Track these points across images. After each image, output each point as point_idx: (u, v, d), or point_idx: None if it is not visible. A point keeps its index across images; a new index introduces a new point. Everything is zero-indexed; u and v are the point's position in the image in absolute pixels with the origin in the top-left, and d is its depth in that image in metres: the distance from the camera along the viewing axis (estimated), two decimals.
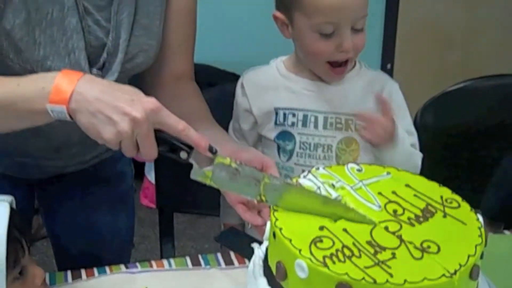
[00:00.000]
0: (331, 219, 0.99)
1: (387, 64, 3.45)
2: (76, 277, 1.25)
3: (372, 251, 0.92)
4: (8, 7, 1.17)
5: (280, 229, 0.96)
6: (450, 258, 0.90)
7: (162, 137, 1.07)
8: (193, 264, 1.30)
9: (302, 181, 1.07)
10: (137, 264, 1.29)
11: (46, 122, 1.10)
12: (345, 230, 0.96)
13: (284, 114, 1.45)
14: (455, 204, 1.03)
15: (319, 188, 1.06)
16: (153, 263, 1.29)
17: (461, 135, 1.98)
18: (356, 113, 1.40)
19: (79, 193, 1.56)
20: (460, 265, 0.89)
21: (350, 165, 1.11)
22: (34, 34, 1.20)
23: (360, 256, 0.90)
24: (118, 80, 1.29)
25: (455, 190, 1.07)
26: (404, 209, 1.01)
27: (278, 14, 1.41)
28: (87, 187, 1.55)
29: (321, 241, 0.93)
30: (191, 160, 1.09)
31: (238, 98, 1.51)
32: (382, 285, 0.85)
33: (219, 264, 1.29)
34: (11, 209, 1.04)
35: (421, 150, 1.48)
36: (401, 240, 0.94)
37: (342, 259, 0.89)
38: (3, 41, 1.19)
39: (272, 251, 0.99)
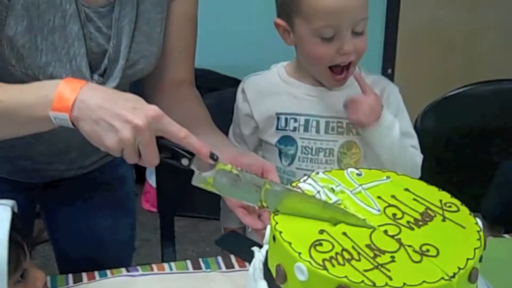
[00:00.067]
0: (331, 223, 1.00)
1: (387, 69, 3.46)
2: (77, 280, 1.26)
3: (371, 254, 0.92)
4: (11, 15, 1.18)
5: (280, 232, 0.96)
6: (449, 261, 0.91)
7: (163, 144, 1.08)
8: (193, 268, 1.30)
9: (302, 185, 1.08)
10: (138, 267, 1.29)
11: (48, 129, 1.11)
12: (344, 233, 0.97)
13: (286, 119, 1.46)
14: (454, 208, 1.03)
15: (319, 192, 1.06)
16: (154, 266, 1.30)
17: (462, 139, 1.98)
18: (345, 102, 1.41)
19: (80, 197, 1.56)
20: (459, 268, 0.89)
21: (350, 169, 1.12)
22: (36, 41, 1.21)
23: (359, 260, 0.91)
24: (119, 86, 1.30)
25: (455, 194, 1.07)
26: (403, 213, 1.02)
27: (279, 21, 1.41)
28: (88, 191, 1.55)
29: (320, 244, 0.93)
30: (193, 167, 1.10)
31: (239, 103, 1.52)
32: None
33: (219, 268, 1.30)
34: (13, 213, 1.04)
35: (421, 154, 1.49)
36: (400, 244, 0.95)
37: (341, 262, 0.90)
38: (6, 48, 1.20)
39: (272, 254, 1.00)
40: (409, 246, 0.94)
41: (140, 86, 1.46)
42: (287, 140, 1.46)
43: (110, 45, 1.30)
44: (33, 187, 1.52)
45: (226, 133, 1.50)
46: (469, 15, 3.49)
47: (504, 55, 3.53)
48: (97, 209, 1.57)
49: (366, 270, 0.88)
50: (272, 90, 1.48)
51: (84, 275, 1.27)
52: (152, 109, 1.06)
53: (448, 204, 1.04)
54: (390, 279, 0.87)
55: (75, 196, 1.55)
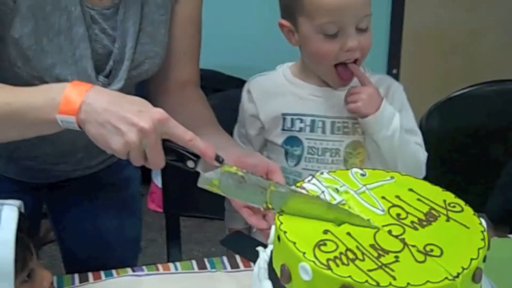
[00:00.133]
0: (335, 223, 1.00)
1: (392, 69, 3.46)
2: (83, 280, 1.26)
3: (375, 254, 0.92)
4: (17, 17, 1.19)
5: (285, 232, 0.97)
6: (453, 261, 0.91)
7: (169, 147, 1.09)
8: (199, 268, 1.31)
9: (306, 185, 1.08)
10: (144, 267, 1.30)
11: (55, 132, 1.12)
12: (348, 233, 0.97)
13: (292, 120, 1.46)
14: (458, 208, 1.03)
15: (323, 192, 1.07)
16: (160, 266, 1.30)
17: (466, 139, 1.98)
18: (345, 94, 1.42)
19: (86, 198, 1.57)
20: (463, 268, 0.90)
21: (354, 169, 1.12)
22: (41, 43, 1.22)
23: (363, 259, 0.91)
24: (124, 87, 1.31)
25: (460, 194, 1.08)
26: (407, 213, 1.02)
27: (284, 22, 1.42)
28: (95, 192, 1.56)
29: (325, 244, 0.94)
30: (198, 169, 1.11)
31: (245, 104, 1.52)
32: None
33: (224, 268, 1.31)
34: (20, 213, 1.05)
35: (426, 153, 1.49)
36: (404, 244, 0.95)
37: (345, 262, 0.90)
38: (12, 50, 1.21)
39: (276, 254, 1.00)
40: (413, 246, 0.94)
41: (145, 87, 1.46)
42: (293, 141, 1.46)
43: (115, 46, 1.30)
44: (39, 188, 1.52)
45: (231, 134, 1.50)
46: (473, 15, 3.49)
47: (508, 55, 3.53)
48: (103, 209, 1.58)
49: (370, 270, 0.89)
50: (278, 91, 1.49)
51: (90, 275, 1.27)
52: (158, 112, 1.07)
53: (452, 204, 1.04)
54: (394, 279, 0.87)
55: (81, 196, 1.56)
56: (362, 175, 1.11)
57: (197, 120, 1.37)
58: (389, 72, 3.42)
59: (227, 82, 2.97)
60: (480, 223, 1.00)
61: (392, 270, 0.89)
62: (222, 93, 1.94)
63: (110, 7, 1.29)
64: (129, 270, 1.29)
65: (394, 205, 1.04)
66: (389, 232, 0.98)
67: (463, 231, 0.98)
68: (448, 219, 1.01)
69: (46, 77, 1.24)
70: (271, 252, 1.04)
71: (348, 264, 0.90)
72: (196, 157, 1.11)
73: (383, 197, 1.06)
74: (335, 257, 0.91)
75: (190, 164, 1.11)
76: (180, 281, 1.27)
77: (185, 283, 1.26)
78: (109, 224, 1.59)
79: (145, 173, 1.32)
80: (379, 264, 0.90)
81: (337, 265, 0.90)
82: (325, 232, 0.98)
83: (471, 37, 3.55)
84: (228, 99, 1.69)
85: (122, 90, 1.29)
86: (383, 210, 1.03)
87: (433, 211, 1.02)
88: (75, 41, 1.24)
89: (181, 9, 1.39)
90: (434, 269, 0.90)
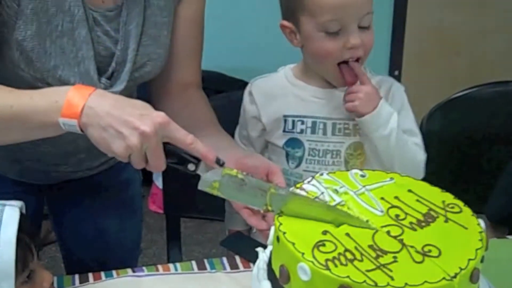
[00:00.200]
0: (334, 224, 1.01)
1: (394, 71, 3.47)
2: (84, 280, 1.27)
3: (373, 255, 0.93)
4: (20, 19, 1.19)
5: (284, 233, 0.97)
6: (451, 261, 0.92)
7: (170, 150, 1.10)
8: (199, 268, 1.31)
9: (306, 186, 1.09)
10: (144, 268, 1.30)
11: (57, 134, 1.13)
12: (347, 234, 0.98)
13: (293, 121, 1.46)
14: (456, 209, 1.04)
15: (323, 193, 1.07)
16: (160, 267, 1.31)
17: (467, 140, 1.98)
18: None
19: (87, 199, 1.58)
20: (461, 269, 0.90)
21: (354, 170, 1.13)
22: (45, 45, 1.22)
23: (362, 260, 0.92)
24: (126, 89, 1.31)
25: (460, 195, 1.08)
26: (406, 214, 1.03)
27: (285, 22, 1.42)
28: (96, 193, 1.57)
29: (323, 245, 0.94)
30: (199, 172, 1.12)
31: (246, 106, 1.52)
32: None
33: (224, 268, 1.31)
34: (21, 214, 1.06)
35: (427, 155, 1.49)
36: (403, 244, 0.95)
37: (344, 262, 0.91)
38: (15, 52, 1.22)
39: (275, 255, 1.01)
40: (411, 246, 0.95)
41: (147, 88, 1.47)
42: (294, 142, 1.46)
43: (118, 48, 1.31)
44: (41, 189, 1.53)
45: (233, 135, 1.50)
46: (475, 17, 3.50)
47: (509, 57, 3.53)
48: (104, 210, 1.58)
49: (368, 270, 0.89)
50: (279, 93, 1.49)
51: (90, 275, 1.28)
52: (159, 116, 1.08)
53: (451, 205, 1.04)
54: (392, 279, 0.88)
55: (82, 197, 1.57)
56: (362, 176, 1.12)
57: (199, 121, 1.38)
58: (391, 74, 3.43)
59: (229, 84, 2.98)
60: (479, 224, 1.00)
61: (390, 271, 0.90)
62: (224, 95, 1.95)
63: (113, 9, 1.29)
64: (129, 270, 1.29)
65: (393, 206, 1.04)
66: (388, 233, 0.98)
67: (461, 231, 0.99)
68: (447, 220, 1.01)
69: (49, 79, 1.24)
70: (270, 252, 1.04)
71: (346, 265, 0.90)
72: (197, 160, 1.12)
73: (382, 198, 1.06)
74: (334, 258, 0.91)
75: (191, 167, 1.12)
76: (180, 282, 1.27)
77: (185, 283, 1.27)
78: (110, 225, 1.60)
79: (146, 174, 1.33)
80: (377, 264, 0.91)
81: (336, 266, 0.90)
82: (324, 233, 0.98)
83: (474, 39, 3.55)
84: (230, 100, 1.69)
85: (124, 91, 1.30)
86: (382, 211, 1.03)
87: (431, 212, 1.03)
88: (78, 43, 1.25)
89: (183, 11, 1.40)
90: (432, 270, 0.91)
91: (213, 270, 1.30)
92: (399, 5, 3.43)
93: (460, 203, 1.06)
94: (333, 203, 1.05)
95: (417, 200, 1.06)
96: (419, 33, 3.47)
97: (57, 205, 1.61)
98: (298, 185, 1.10)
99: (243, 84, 1.58)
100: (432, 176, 1.39)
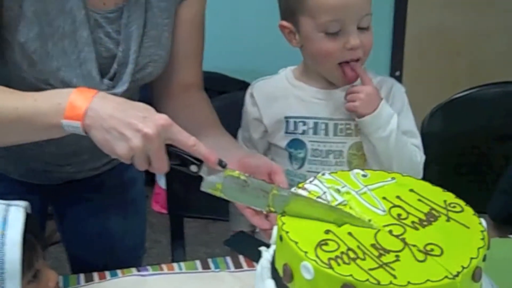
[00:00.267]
0: (337, 224, 1.02)
1: (395, 71, 3.47)
2: (89, 280, 1.28)
3: (376, 253, 0.94)
4: (22, 22, 1.20)
5: (287, 232, 0.98)
6: (453, 260, 0.92)
7: (173, 152, 1.11)
8: (203, 268, 1.32)
9: (308, 186, 1.10)
10: (148, 267, 1.31)
11: (61, 136, 1.14)
12: (350, 233, 0.99)
13: (295, 123, 1.47)
14: (458, 208, 1.04)
15: (325, 193, 1.08)
16: (164, 266, 1.32)
17: (468, 141, 1.98)
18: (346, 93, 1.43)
19: (91, 199, 1.58)
20: (463, 267, 0.91)
21: (356, 170, 1.14)
22: (47, 47, 1.23)
23: (364, 259, 0.92)
24: (128, 90, 1.32)
25: (462, 195, 1.09)
26: (408, 213, 1.03)
27: (284, 23, 1.43)
28: (99, 193, 1.58)
29: (326, 244, 0.95)
30: (201, 173, 1.13)
31: (248, 108, 1.53)
32: (386, 286, 0.87)
33: (228, 268, 1.32)
34: (26, 214, 1.06)
35: (428, 156, 1.50)
36: (405, 243, 0.96)
37: (347, 261, 0.92)
38: (18, 54, 1.23)
39: (279, 254, 1.01)
40: (414, 245, 0.96)
41: (149, 90, 1.48)
42: (296, 144, 1.47)
43: (119, 49, 1.32)
44: (45, 189, 1.54)
45: (235, 135, 1.51)
46: (476, 18, 3.50)
47: (510, 57, 3.54)
48: (108, 210, 1.59)
49: (371, 269, 0.90)
50: (281, 94, 1.50)
51: (95, 274, 1.29)
52: (162, 118, 1.09)
53: (452, 205, 1.05)
54: (395, 277, 0.89)
55: (86, 198, 1.58)
56: (364, 176, 1.13)
57: (201, 122, 1.39)
58: (391, 74, 3.43)
59: (231, 85, 2.98)
60: (480, 223, 1.01)
61: (393, 269, 0.90)
62: (226, 95, 1.95)
63: (114, 11, 1.30)
64: (134, 270, 1.30)
65: (395, 206, 1.05)
66: (390, 232, 0.99)
67: (463, 231, 1.00)
68: (448, 219, 1.02)
69: (51, 80, 1.25)
70: (274, 252, 1.05)
71: (349, 263, 0.91)
72: (199, 161, 1.13)
73: (384, 198, 1.07)
74: (337, 257, 0.92)
75: (194, 168, 1.13)
76: (184, 281, 1.28)
77: (189, 282, 1.27)
78: (114, 225, 1.61)
79: (149, 174, 1.34)
80: (380, 263, 0.91)
81: (339, 264, 0.91)
82: (327, 232, 0.99)
83: (474, 39, 3.55)
84: (232, 101, 1.70)
85: (127, 93, 1.31)
86: (384, 211, 1.04)
87: (433, 211, 1.03)
88: (80, 45, 1.26)
89: (184, 12, 1.40)
90: (434, 268, 0.91)
91: (217, 270, 1.31)
92: (400, 5, 3.43)
93: (462, 202, 1.06)
94: (335, 203, 1.06)
95: (419, 200, 1.06)
96: (419, 33, 3.48)
97: (61, 205, 1.62)
98: (300, 185, 1.11)
99: (245, 85, 1.58)
100: (433, 176, 1.40)
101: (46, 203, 1.60)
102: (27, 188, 1.48)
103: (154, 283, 1.27)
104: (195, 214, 1.99)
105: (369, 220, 1.02)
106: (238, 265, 1.33)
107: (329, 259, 0.92)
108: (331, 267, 0.90)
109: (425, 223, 1.01)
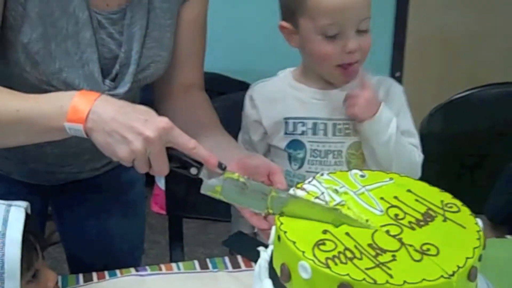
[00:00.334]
0: (334, 225, 1.02)
1: (396, 72, 3.47)
2: (88, 280, 1.28)
3: (373, 253, 0.94)
4: (26, 22, 1.21)
5: (285, 232, 0.99)
6: (449, 260, 0.93)
7: (173, 154, 1.12)
8: (201, 268, 1.33)
9: (306, 186, 1.11)
10: (147, 267, 1.32)
11: (63, 138, 1.14)
12: (347, 234, 0.99)
13: (294, 124, 1.47)
14: (455, 209, 1.05)
15: (323, 193, 1.09)
16: (162, 266, 1.32)
17: (467, 141, 1.99)
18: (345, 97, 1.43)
19: (90, 199, 1.59)
20: (459, 267, 0.92)
21: (354, 171, 1.14)
22: (50, 48, 1.24)
23: (361, 258, 0.93)
24: (130, 90, 1.33)
25: (460, 195, 1.09)
26: (405, 213, 1.04)
27: (284, 23, 1.43)
28: (99, 193, 1.58)
29: (324, 244, 0.96)
30: (201, 176, 1.14)
31: (248, 110, 1.54)
32: (382, 286, 0.88)
33: (226, 268, 1.32)
34: (26, 214, 1.07)
35: (427, 157, 1.50)
36: (402, 243, 0.97)
37: (344, 261, 0.92)
38: (21, 54, 1.23)
39: (276, 254, 1.02)
40: (410, 245, 0.96)
41: (150, 90, 1.49)
42: (296, 144, 1.48)
43: (122, 50, 1.32)
44: (45, 189, 1.54)
45: (235, 136, 1.52)
46: (476, 19, 3.50)
47: (510, 59, 3.54)
48: (108, 210, 1.60)
49: (367, 268, 0.91)
50: (279, 96, 1.50)
51: (94, 274, 1.29)
52: (163, 121, 1.09)
53: (449, 205, 1.06)
54: (391, 277, 0.89)
55: (86, 198, 1.58)
56: (362, 176, 1.13)
57: (201, 122, 1.40)
58: (392, 75, 3.43)
59: (232, 85, 2.99)
60: (476, 223, 1.02)
61: (389, 269, 0.91)
62: (226, 96, 1.96)
63: (117, 12, 1.31)
64: (132, 270, 1.31)
65: (392, 206, 1.06)
66: (387, 232, 1.00)
67: (460, 231, 1.00)
68: (445, 219, 1.03)
69: (54, 81, 1.26)
70: (272, 252, 1.05)
71: (346, 263, 0.92)
72: (199, 164, 1.14)
73: (381, 198, 1.08)
74: (334, 256, 0.93)
75: (194, 171, 1.14)
76: (183, 281, 1.29)
77: (188, 282, 1.28)
78: (113, 226, 1.61)
79: (149, 175, 1.34)
80: (377, 262, 0.92)
81: (336, 264, 0.91)
82: (324, 232, 1.00)
83: (475, 41, 3.56)
84: (232, 102, 1.71)
85: (128, 93, 1.32)
86: (381, 211, 1.05)
87: (430, 212, 1.04)
88: (82, 46, 1.27)
89: (186, 13, 1.41)
90: (430, 268, 0.92)
91: (215, 270, 1.31)
92: (401, 7, 3.44)
93: (458, 202, 1.07)
94: (333, 203, 1.06)
95: (416, 200, 1.07)
96: (420, 34, 3.48)
97: (61, 206, 1.62)
98: (298, 185, 1.12)
99: (245, 86, 1.59)
100: (432, 176, 1.40)
101: (46, 204, 1.60)
102: (27, 188, 1.48)
103: (153, 283, 1.28)
104: (194, 215, 1.99)
105: (367, 220, 1.03)
106: (236, 265, 1.33)
107: (327, 258, 0.92)
108: (328, 267, 0.91)
109: (422, 223, 1.02)
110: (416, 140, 1.49)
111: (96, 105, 1.10)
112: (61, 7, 1.23)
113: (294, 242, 0.96)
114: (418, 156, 1.48)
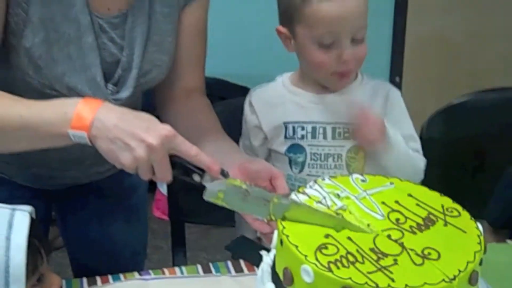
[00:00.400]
0: (336, 230, 1.03)
1: (395, 77, 3.47)
2: (91, 283, 1.29)
3: (375, 257, 0.95)
4: (28, 27, 1.22)
5: (287, 236, 1.00)
6: (450, 264, 0.94)
7: (176, 161, 1.14)
8: (204, 272, 1.34)
9: (308, 191, 1.11)
10: (150, 271, 1.32)
11: (66, 144, 1.15)
12: (349, 238, 1.00)
13: (293, 128, 1.48)
14: (455, 213, 1.06)
15: (324, 198, 1.09)
16: (166, 270, 1.33)
17: (467, 146, 1.99)
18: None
19: (93, 204, 1.60)
20: (460, 271, 0.92)
21: (355, 175, 1.15)
22: (52, 52, 1.25)
23: (363, 262, 0.94)
24: (132, 95, 1.34)
25: (461, 200, 1.10)
26: (406, 217, 1.05)
27: (281, 28, 1.44)
28: (102, 198, 1.59)
29: (326, 248, 0.97)
30: (204, 182, 1.15)
31: (247, 116, 1.55)
32: None
33: (229, 272, 1.33)
34: (31, 219, 1.08)
35: (428, 161, 1.51)
36: (403, 247, 0.98)
37: (346, 264, 0.93)
38: (23, 59, 1.24)
39: (279, 258, 1.03)
40: (412, 249, 0.97)
41: (151, 94, 1.50)
42: (296, 148, 1.48)
43: (123, 55, 1.33)
44: (49, 194, 1.55)
45: (235, 140, 1.52)
46: (476, 23, 3.50)
47: (510, 64, 3.54)
48: (111, 215, 1.60)
49: (369, 272, 0.91)
50: (278, 101, 1.51)
51: (98, 278, 1.30)
52: (166, 129, 1.11)
53: (450, 209, 1.07)
54: (393, 280, 0.90)
55: (89, 202, 1.59)
56: (363, 180, 1.14)
57: (203, 126, 1.41)
58: (391, 79, 3.43)
59: (232, 90, 2.99)
60: (477, 228, 1.02)
61: (391, 273, 0.92)
62: (227, 101, 1.96)
63: (118, 16, 1.32)
64: (136, 274, 1.32)
65: (393, 210, 1.07)
66: (389, 236, 1.01)
67: (460, 235, 1.01)
68: (446, 223, 1.04)
69: (56, 86, 1.27)
70: (274, 256, 1.06)
71: (348, 267, 0.93)
72: (202, 171, 1.15)
73: (383, 202, 1.08)
74: (336, 260, 0.94)
75: (196, 178, 1.16)
76: (186, 285, 1.29)
77: (191, 287, 1.29)
78: (116, 230, 1.62)
79: (151, 181, 1.35)
80: (378, 266, 0.93)
81: (338, 268, 0.92)
82: (327, 236, 1.00)
83: (474, 45, 3.56)
84: (233, 106, 1.71)
85: (130, 98, 1.33)
86: (382, 215, 1.06)
87: (431, 216, 1.05)
88: (84, 50, 1.28)
89: (187, 17, 1.42)
90: (432, 272, 0.93)
91: (218, 274, 1.32)
92: (399, 11, 3.44)
93: (459, 207, 1.08)
94: (334, 207, 1.07)
95: (417, 204, 1.08)
96: (419, 39, 3.48)
97: (64, 210, 1.63)
98: (300, 189, 1.13)
99: (246, 91, 1.59)
100: (433, 181, 1.41)
101: (49, 209, 1.61)
102: (30, 193, 1.49)
103: (156, 286, 1.28)
104: (196, 219, 2.00)
105: (368, 225, 1.03)
106: (239, 269, 1.34)
107: (329, 262, 0.93)
108: (330, 270, 0.92)
109: (423, 227, 1.02)
110: (418, 144, 1.50)
111: (100, 112, 1.11)
112: (63, 12, 1.24)
113: (296, 246, 0.97)
114: (422, 162, 1.49)
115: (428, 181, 1.44)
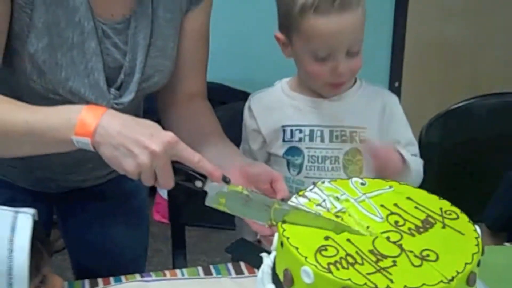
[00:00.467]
0: (335, 232, 1.04)
1: (395, 82, 3.48)
2: (93, 285, 1.30)
3: (374, 259, 0.96)
4: (32, 32, 1.23)
5: (288, 238, 1.01)
6: (448, 265, 0.95)
7: (178, 168, 1.15)
8: (205, 274, 1.34)
9: (308, 194, 1.13)
10: (151, 273, 1.33)
11: (70, 150, 1.16)
12: (348, 240, 1.01)
13: (291, 131, 1.50)
14: (454, 216, 1.07)
15: (324, 200, 1.11)
16: (167, 272, 1.34)
17: (466, 150, 2.00)
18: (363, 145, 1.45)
19: (94, 207, 1.60)
20: (458, 272, 0.93)
21: (354, 179, 1.16)
22: (56, 57, 1.26)
23: (362, 264, 0.95)
24: (134, 99, 1.35)
25: (459, 203, 1.11)
26: (405, 220, 1.06)
27: (279, 34, 1.46)
28: (104, 201, 1.60)
29: (326, 249, 0.98)
30: (206, 189, 1.16)
31: (247, 120, 1.56)
32: None
33: (230, 274, 1.34)
34: (34, 221, 1.09)
35: (426, 165, 1.52)
36: (402, 249, 0.99)
37: (345, 266, 0.94)
38: (27, 64, 1.25)
39: (279, 259, 1.04)
40: (410, 251, 0.98)
41: (153, 99, 1.51)
42: (294, 151, 1.50)
43: (126, 60, 1.34)
44: (51, 197, 1.56)
45: (236, 144, 1.54)
46: (475, 29, 3.51)
47: (509, 69, 3.55)
48: (112, 218, 1.61)
49: (368, 274, 0.93)
50: (277, 105, 1.53)
51: (99, 280, 1.31)
52: (168, 136, 1.12)
53: (448, 212, 1.08)
54: (392, 281, 0.91)
55: (90, 205, 1.60)
56: (362, 184, 1.15)
57: (204, 130, 1.42)
58: (391, 85, 3.44)
59: (233, 95, 3.00)
60: (475, 230, 1.04)
61: (390, 274, 0.93)
62: (227, 105, 1.98)
63: (121, 22, 1.33)
64: (137, 276, 1.33)
65: (392, 213, 1.08)
66: (388, 238, 1.02)
67: (458, 237, 1.02)
68: (444, 226, 1.05)
69: (60, 90, 1.28)
70: (274, 257, 1.07)
71: (348, 268, 0.94)
72: (204, 177, 1.16)
73: (382, 205, 1.09)
74: (336, 261, 0.95)
75: (198, 184, 1.17)
76: (187, 286, 1.30)
77: None
78: (117, 233, 1.63)
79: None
80: (378, 268, 0.94)
81: (338, 269, 0.93)
82: (326, 238, 1.02)
83: (473, 50, 3.57)
84: (234, 111, 1.72)
85: (133, 102, 1.34)
86: (382, 218, 1.07)
87: (429, 218, 1.06)
88: (88, 55, 1.29)
89: (190, 22, 1.43)
90: (430, 273, 0.94)
91: (219, 276, 1.33)
92: (399, 17, 3.45)
93: (457, 210, 1.09)
94: (334, 210, 1.08)
95: (416, 207, 1.09)
96: (419, 44, 3.49)
97: (66, 213, 1.64)
98: (300, 193, 1.14)
99: (246, 96, 1.61)
100: (431, 184, 1.42)
101: (51, 211, 1.62)
102: (32, 196, 1.50)
103: None
104: (196, 222, 2.00)
105: (368, 227, 1.04)
106: (239, 271, 1.35)
107: (329, 264, 0.94)
108: (330, 272, 0.93)
109: (421, 229, 1.04)
110: (416, 148, 1.52)
111: (103, 119, 1.12)
112: (67, 17, 1.25)
113: (297, 248, 0.98)
114: (421, 164, 1.51)
115: (427, 184, 1.45)
